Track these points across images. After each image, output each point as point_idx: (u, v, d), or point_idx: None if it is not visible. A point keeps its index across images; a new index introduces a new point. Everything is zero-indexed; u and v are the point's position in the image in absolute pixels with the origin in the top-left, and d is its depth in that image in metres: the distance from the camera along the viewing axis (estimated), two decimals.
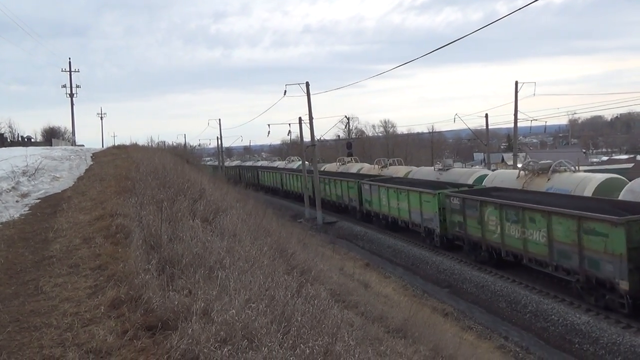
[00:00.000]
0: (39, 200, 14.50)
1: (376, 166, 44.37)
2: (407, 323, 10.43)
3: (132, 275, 6.64)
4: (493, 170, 35.36)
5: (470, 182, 30.07)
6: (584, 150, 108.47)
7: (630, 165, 72.21)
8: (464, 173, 33.83)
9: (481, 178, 30.45)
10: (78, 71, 65.06)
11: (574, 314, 16.78)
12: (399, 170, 40.77)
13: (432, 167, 37.74)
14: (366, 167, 47.26)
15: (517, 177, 26.62)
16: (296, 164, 60.59)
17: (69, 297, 6.46)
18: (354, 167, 49.70)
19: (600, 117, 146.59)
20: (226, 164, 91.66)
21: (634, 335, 14.80)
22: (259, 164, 79.53)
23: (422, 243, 27.86)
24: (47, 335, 5.45)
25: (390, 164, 43.68)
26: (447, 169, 34.74)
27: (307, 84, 39.85)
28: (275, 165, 70.28)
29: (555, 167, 24.93)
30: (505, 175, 29.12)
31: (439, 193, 25.65)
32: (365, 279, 17.94)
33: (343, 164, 52.43)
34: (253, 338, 5.42)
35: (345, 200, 38.92)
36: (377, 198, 32.89)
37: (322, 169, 49.98)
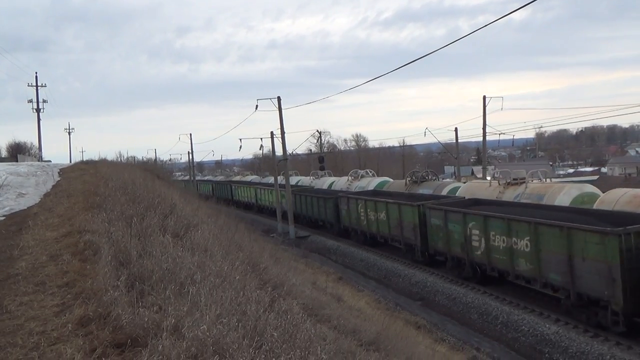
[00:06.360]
0: (3, 218, 14.17)
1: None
2: (380, 336, 10.41)
3: (100, 292, 6.53)
4: (464, 183, 35.61)
5: None
6: (550, 163, 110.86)
7: (595, 177, 74.03)
8: None
9: None
10: (45, 86, 63.79)
11: (543, 324, 17.05)
12: (370, 182, 41.64)
13: None
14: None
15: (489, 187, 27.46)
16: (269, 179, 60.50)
17: (35, 316, 6.31)
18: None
19: (565, 130, 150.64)
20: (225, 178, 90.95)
21: (601, 344, 15.11)
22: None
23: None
24: (12, 355, 5.32)
25: (362, 176, 44.37)
26: None
27: (279, 99, 39.99)
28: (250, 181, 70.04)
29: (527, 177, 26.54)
30: (477, 185, 29.65)
31: (335, 197, 35.60)
32: (338, 293, 17.90)
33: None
34: (224, 353, 5.37)
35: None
36: (300, 203, 41.95)
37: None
